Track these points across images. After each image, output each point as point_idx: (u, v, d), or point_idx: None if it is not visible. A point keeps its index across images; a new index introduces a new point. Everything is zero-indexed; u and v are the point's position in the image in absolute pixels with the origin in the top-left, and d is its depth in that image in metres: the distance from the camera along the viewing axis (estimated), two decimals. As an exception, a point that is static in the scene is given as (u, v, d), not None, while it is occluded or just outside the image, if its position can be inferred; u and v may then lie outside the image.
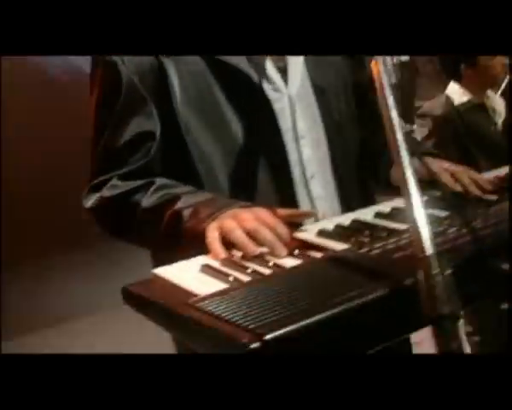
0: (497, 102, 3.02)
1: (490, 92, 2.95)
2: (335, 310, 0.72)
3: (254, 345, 0.67)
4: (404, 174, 0.74)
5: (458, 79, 2.89)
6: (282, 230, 0.99)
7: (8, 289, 4.39)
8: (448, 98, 2.89)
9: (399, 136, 0.74)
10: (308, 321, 0.70)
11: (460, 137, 2.85)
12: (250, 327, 0.69)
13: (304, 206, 1.27)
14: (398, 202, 1.22)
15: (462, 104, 2.88)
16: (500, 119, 3.03)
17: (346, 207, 1.31)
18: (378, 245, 0.93)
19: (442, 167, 1.26)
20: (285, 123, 1.25)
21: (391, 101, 0.78)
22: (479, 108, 2.92)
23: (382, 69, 0.76)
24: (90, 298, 4.31)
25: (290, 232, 1.00)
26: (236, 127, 1.21)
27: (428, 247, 0.70)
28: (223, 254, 0.97)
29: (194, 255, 1.01)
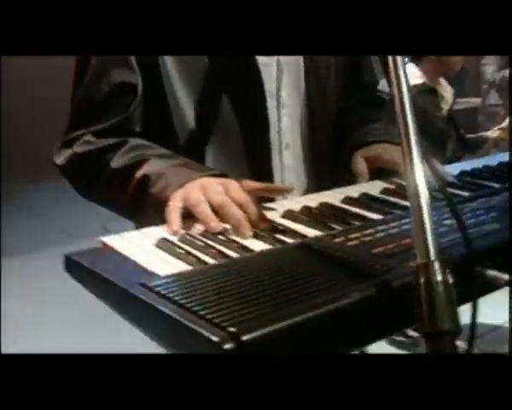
0: (446, 89, 3.02)
1: (442, 79, 2.95)
2: (318, 311, 0.64)
3: (228, 346, 0.58)
4: (411, 171, 0.65)
5: (417, 61, 2.87)
6: (252, 208, 0.90)
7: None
8: (404, 77, 2.86)
9: (412, 126, 0.65)
10: (290, 322, 0.61)
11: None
12: (223, 324, 0.60)
13: (276, 175, 1.20)
14: (366, 187, 1.15)
15: (416, 86, 2.87)
16: (446, 106, 3.04)
17: (317, 182, 1.25)
18: (353, 236, 0.85)
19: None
20: (270, 88, 1.17)
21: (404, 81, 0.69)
22: (430, 92, 2.92)
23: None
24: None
25: (260, 212, 0.91)
26: (220, 87, 1.11)
27: (433, 252, 0.62)
28: (176, 227, 0.87)
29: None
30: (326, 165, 1.30)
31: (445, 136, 3.06)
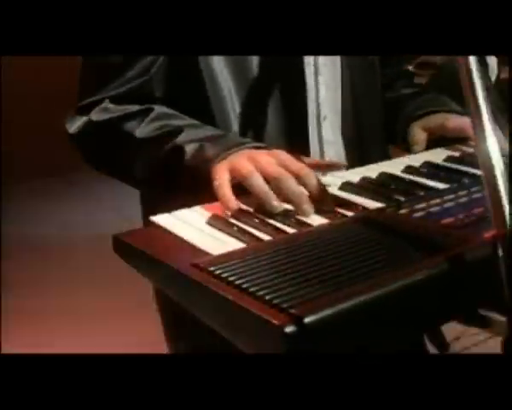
0: (491, 57, 2.88)
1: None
2: (387, 288, 0.58)
3: (289, 329, 0.53)
4: (484, 138, 0.58)
5: None
6: (312, 180, 0.81)
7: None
8: (449, 47, 2.76)
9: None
10: (355, 302, 0.56)
11: (455, 88, 2.72)
12: (283, 306, 0.55)
13: (313, 149, 1.12)
14: (427, 156, 1.07)
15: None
16: (493, 75, 2.91)
17: (355, 156, 1.16)
18: (419, 206, 0.79)
19: None
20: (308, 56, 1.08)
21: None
22: (478, 61, 2.79)
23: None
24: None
25: (320, 183, 0.83)
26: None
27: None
28: (233, 203, 0.81)
29: (192, 201, 0.86)
30: (364, 139, 1.21)
31: (497, 108, 2.93)
